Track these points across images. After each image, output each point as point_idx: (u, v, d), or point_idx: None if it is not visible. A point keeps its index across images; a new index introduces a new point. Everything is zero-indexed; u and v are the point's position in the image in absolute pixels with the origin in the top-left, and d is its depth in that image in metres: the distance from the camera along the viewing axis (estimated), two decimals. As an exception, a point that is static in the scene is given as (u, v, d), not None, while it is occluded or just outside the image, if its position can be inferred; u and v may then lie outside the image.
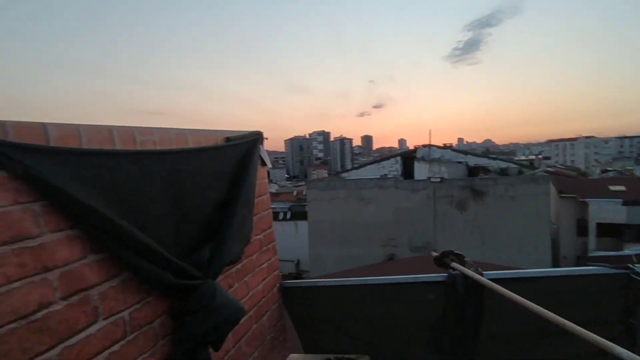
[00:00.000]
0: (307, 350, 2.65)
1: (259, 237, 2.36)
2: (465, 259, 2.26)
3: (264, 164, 2.39)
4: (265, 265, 2.43)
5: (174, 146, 1.65)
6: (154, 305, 1.52)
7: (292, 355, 2.59)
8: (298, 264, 22.94)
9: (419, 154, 20.44)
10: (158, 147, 1.56)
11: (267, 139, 2.38)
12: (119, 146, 1.39)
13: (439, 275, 2.27)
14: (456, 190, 15.06)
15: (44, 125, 1.17)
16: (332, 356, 2.42)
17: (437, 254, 2.36)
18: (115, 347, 1.34)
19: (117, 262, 1.33)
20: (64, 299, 1.17)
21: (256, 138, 2.22)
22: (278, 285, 2.58)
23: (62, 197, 1.15)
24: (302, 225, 21.87)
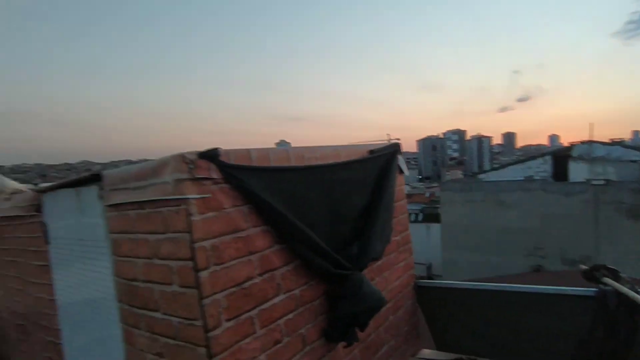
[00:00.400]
0: (438, 347, 2.79)
1: (396, 238, 2.61)
2: (620, 274, 2.10)
3: (401, 171, 2.65)
4: (402, 264, 2.67)
5: (331, 160, 2.03)
6: (316, 288, 1.92)
7: (424, 350, 2.77)
8: (430, 267, 22.28)
9: (575, 152, 17.70)
10: (320, 162, 1.96)
11: (399, 139, 2.61)
12: (293, 163, 1.83)
13: (587, 290, 2.16)
14: (628, 195, 12.64)
15: (248, 151, 1.65)
16: (464, 357, 2.52)
17: (586, 268, 2.24)
18: (290, 316, 1.77)
19: (292, 251, 1.76)
20: (260, 275, 1.64)
21: (395, 150, 2.48)
22: (413, 283, 2.79)
23: (259, 202, 1.61)
24: (435, 228, 21.19)
